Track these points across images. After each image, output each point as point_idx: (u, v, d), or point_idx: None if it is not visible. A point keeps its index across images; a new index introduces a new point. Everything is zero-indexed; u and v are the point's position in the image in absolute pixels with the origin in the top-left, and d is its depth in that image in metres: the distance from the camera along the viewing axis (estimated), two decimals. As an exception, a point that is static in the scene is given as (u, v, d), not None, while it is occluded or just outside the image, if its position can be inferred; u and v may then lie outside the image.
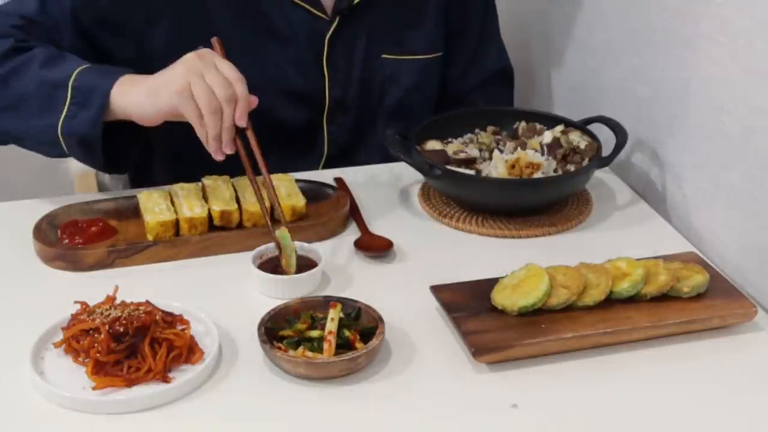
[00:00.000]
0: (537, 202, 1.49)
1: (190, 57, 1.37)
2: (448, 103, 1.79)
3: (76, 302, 1.18)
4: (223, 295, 1.29)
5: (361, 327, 1.17)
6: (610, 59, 1.70)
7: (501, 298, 1.21)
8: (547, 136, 1.56)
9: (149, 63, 1.51)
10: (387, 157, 1.63)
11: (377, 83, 1.70)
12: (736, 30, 1.33)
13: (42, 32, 1.51)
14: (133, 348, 1.11)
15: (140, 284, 1.28)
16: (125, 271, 1.34)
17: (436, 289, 1.25)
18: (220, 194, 1.43)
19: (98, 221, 1.41)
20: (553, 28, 1.92)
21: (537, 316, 1.20)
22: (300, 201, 1.44)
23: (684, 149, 1.49)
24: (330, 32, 1.63)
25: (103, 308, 1.15)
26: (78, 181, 1.85)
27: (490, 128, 1.63)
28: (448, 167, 1.48)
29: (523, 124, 1.62)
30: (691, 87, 1.45)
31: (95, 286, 1.23)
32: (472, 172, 1.50)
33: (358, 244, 1.40)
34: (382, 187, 1.59)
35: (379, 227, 1.46)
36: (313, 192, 1.49)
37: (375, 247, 1.40)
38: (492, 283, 1.25)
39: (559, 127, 1.59)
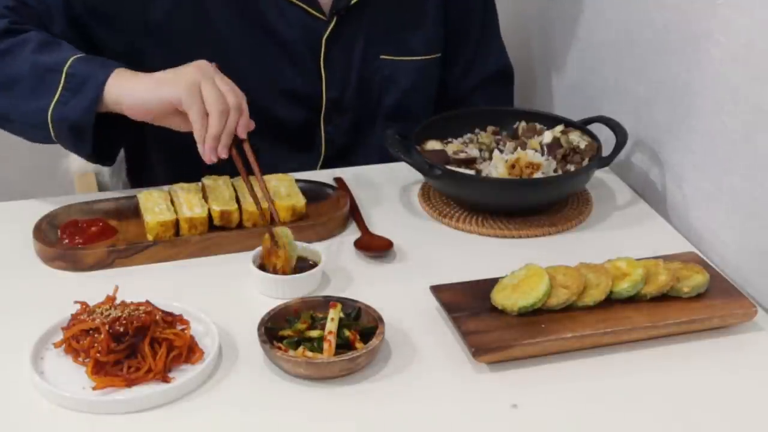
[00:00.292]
0: (537, 202, 1.49)
1: (192, 65, 1.39)
2: (448, 103, 1.79)
3: (76, 302, 1.18)
4: (223, 295, 1.29)
5: (361, 327, 1.17)
6: (610, 59, 1.70)
7: (501, 298, 1.21)
8: (547, 136, 1.56)
9: (140, 59, 1.51)
10: (385, 159, 1.63)
11: (375, 84, 1.70)
12: (737, 30, 1.33)
13: (34, 16, 1.50)
14: (133, 348, 1.11)
15: (140, 284, 1.28)
16: (125, 271, 1.34)
17: (436, 289, 1.25)
18: (220, 194, 1.43)
19: (98, 221, 1.41)
20: (553, 27, 1.92)
21: (537, 316, 1.20)
22: (300, 201, 1.44)
23: (684, 149, 1.49)
24: (327, 33, 1.62)
25: (103, 308, 1.15)
26: (78, 181, 1.85)
27: (490, 128, 1.63)
28: (448, 167, 1.48)
29: (523, 124, 1.62)
30: (692, 87, 1.45)
31: (95, 286, 1.23)
32: (472, 172, 1.50)
33: (358, 244, 1.40)
34: (382, 187, 1.59)
35: (379, 227, 1.46)
36: (313, 192, 1.49)
37: (375, 247, 1.40)
38: (492, 283, 1.25)
39: (559, 127, 1.59)
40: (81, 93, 1.38)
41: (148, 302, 1.17)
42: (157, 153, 1.74)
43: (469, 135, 1.62)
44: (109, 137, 1.47)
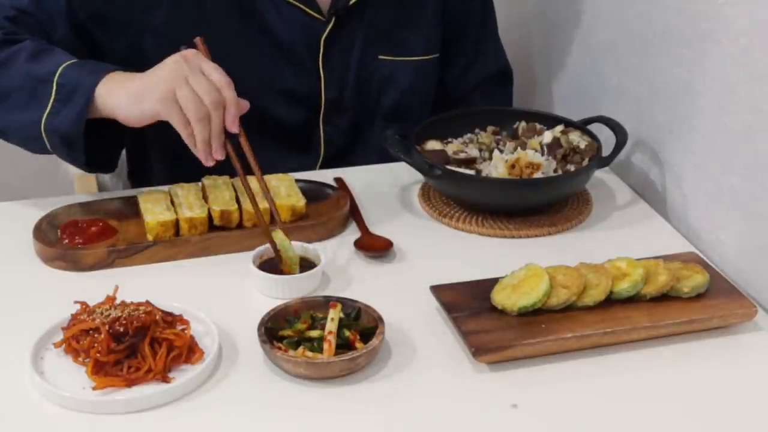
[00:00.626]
0: (537, 202, 1.49)
1: (173, 60, 1.34)
2: (447, 103, 1.79)
3: (76, 302, 1.18)
4: (223, 295, 1.29)
5: (361, 327, 1.17)
6: (610, 59, 1.70)
7: (501, 298, 1.21)
8: (547, 136, 1.56)
9: (143, 61, 1.51)
10: (384, 159, 1.63)
11: (374, 84, 1.70)
12: (737, 30, 1.33)
13: (35, 24, 1.49)
14: (133, 348, 1.11)
15: (140, 284, 1.28)
16: (125, 271, 1.34)
17: (436, 289, 1.25)
18: (220, 194, 1.43)
19: (98, 221, 1.41)
20: (553, 27, 1.92)
21: (537, 316, 1.20)
22: (300, 201, 1.44)
23: (684, 149, 1.49)
24: (326, 33, 1.62)
25: (103, 308, 1.15)
26: (78, 181, 1.85)
27: (490, 128, 1.63)
28: (448, 167, 1.48)
29: (523, 124, 1.62)
30: (692, 87, 1.45)
31: (95, 286, 1.23)
32: (472, 172, 1.50)
33: (358, 244, 1.40)
34: (382, 187, 1.59)
35: (379, 227, 1.46)
36: (313, 192, 1.49)
37: (375, 247, 1.40)
38: (492, 283, 1.25)
39: (559, 127, 1.59)
40: (71, 103, 1.37)
41: (148, 302, 1.17)
42: (157, 153, 1.74)
43: (469, 135, 1.62)
44: (104, 145, 1.46)
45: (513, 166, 1.47)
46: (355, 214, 1.49)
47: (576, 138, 1.56)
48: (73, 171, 1.89)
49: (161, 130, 1.52)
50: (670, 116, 1.52)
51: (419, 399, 1.11)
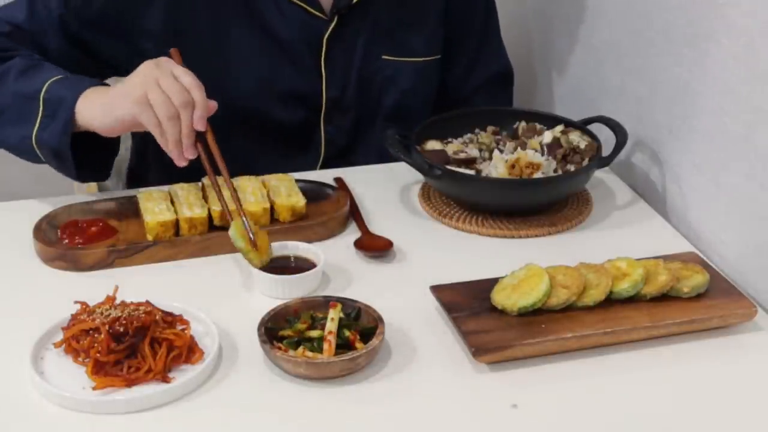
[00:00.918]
0: (537, 202, 1.49)
1: (146, 66, 1.38)
2: (449, 104, 1.79)
3: (76, 302, 1.18)
4: (223, 295, 1.29)
5: (361, 327, 1.17)
6: (610, 59, 1.70)
7: (501, 298, 1.21)
8: (547, 136, 1.56)
9: (138, 64, 1.52)
10: (385, 159, 1.63)
11: (375, 84, 1.70)
12: (738, 30, 1.33)
13: (29, 38, 1.54)
14: (133, 348, 1.11)
15: (140, 284, 1.28)
16: (125, 271, 1.34)
17: (436, 289, 1.25)
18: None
19: (98, 221, 1.41)
20: (554, 28, 1.92)
21: (537, 316, 1.20)
22: (300, 201, 1.44)
23: (684, 149, 1.49)
24: (328, 32, 1.62)
25: (103, 308, 1.15)
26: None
27: (490, 128, 1.63)
28: (448, 167, 1.48)
29: (523, 124, 1.62)
30: (692, 87, 1.45)
31: (95, 286, 1.23)
32: (472, 172, 1.50)
33: (358, 244, 1.40)
34: (382, 187, 1.59)
35: (379, 227, 1.46)
36: (313, 192, 1.49)
37: (375, 247, 1.40)
38: (492, 283, 1.25)
39: (559, 127, 1.59)
40: (56, 118, 1.40)
41: (148, 302, 1.17)
42: (157, 153, 1.74)
43: (469, 135, 1.62)
44: (95, 156, 1.48)
45: (513, 166, 1.47)
46: (355, 214, 1.49)
47: (576, 138, 1.56)
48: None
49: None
50: (670, 116, 1.52)
51: (419, 399, 1.11)
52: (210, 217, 1.40)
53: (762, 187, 1.30)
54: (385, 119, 1.71)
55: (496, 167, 1.48)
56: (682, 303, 1.23)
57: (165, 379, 1.10)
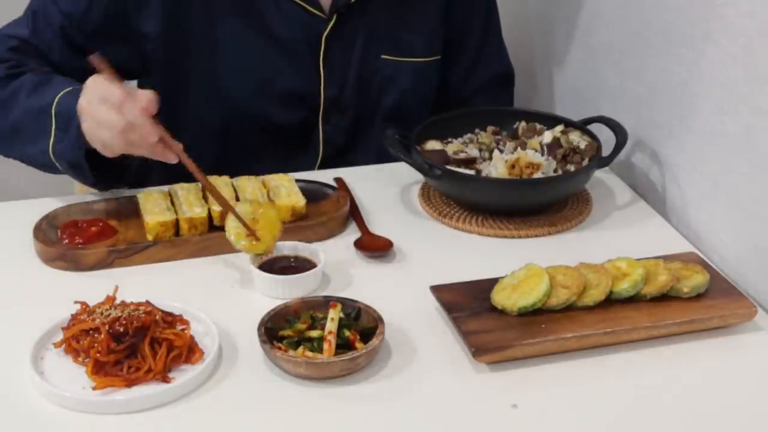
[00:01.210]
0: (537, 202, 1.49)
1: (81, 107, 1.35)
2: (449, 105, 1.79)
3: (76, 302, 1.18)
4: (223, 295, 1.29)
5: (361, 327, 1.17)
6: (610, 59, 1.70)
7: (501, 298, 1.21)
8: (547, 136, 1.56)
9: (145, 65, 1.52)
10: (383, 159, 1.63)
11: (375, 84, 1.69)
12: (736, 30, 1.33)
13: (35, 51, 1.55)
14: (133, 348, 1.11)
15: (140, 284, 1.28)
16: (125, 271, 1.34)
17: (436, 289, 1.25)
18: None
19: (98, 221, 1.41)
20: (554, 28, 1.92)
21: (537, 316, 1.20)
22: (300, 201, 1.44)
23: (684, 149, 1.49)
24: (327, 30, 1.62)
25: (103, 308, 1.15)
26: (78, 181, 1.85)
27: (490, 128, 1.63)
28: (448, 167, 1.48)
29: (523, 124, 1.62)
30: (691, 87, 1.45)
31: (95, 286, 1.23)
32: (472, 172, 1.50)
33: (358, 244, 1.40)
34: (382, 187, 1.59)
35: (379, 227, 1.46)
36: (313, 192, 1.49)
37: (375, 247, 1.40)
38: (492, 283, 1.25)
39: (559, 127, 1.59)
40: (68, 131, 1.40)
41: (148, 302, 1.17)
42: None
43: (469, 135, 1.62)
44: (111, 164, 1.46)
45: (513, 166, 1.47)
46: (355, 214, 1.48)
47: (576, 138, 1.56)
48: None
49: (165, 118, 1.51)
50: (670, 116, 1.52)
51: (419, 399, 1.11)
52: (210, 217, 1.40)
53: (762, 187, 1.30)
54: (384, 119, 1.71)
55: (496, 167, 1.48)
56: (682, 303, 1.23)
57: (165, 379, 1.10)
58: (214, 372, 1.14)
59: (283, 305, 1.20)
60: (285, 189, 1.46)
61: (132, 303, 1.17)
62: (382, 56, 1.68)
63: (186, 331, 1.16)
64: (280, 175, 1.50)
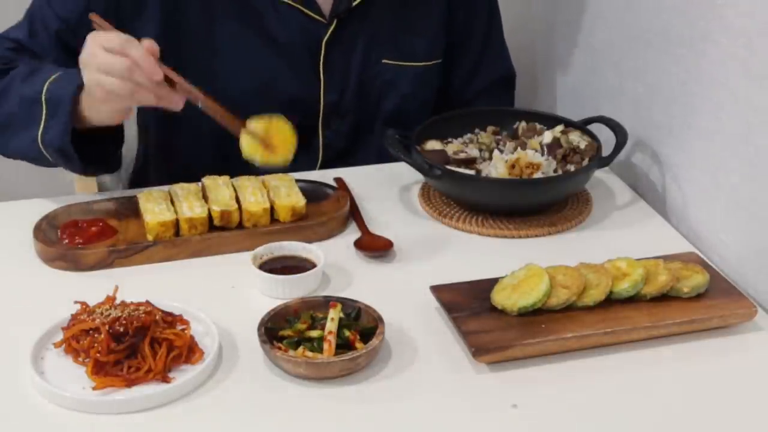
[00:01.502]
0: (537, 202, 1.49)
1: (81, 59, 1.36)
2: (451, 108, 1.78)
3: (76, 302, 1.18)
4: (223, 295, 1.29)
5: (361, 327, 1.17)
6: (610, 59, 1.70)
7: (501, 298, 1.21)
8: (547, 136, 1.56)
9: None
10: (383, 162, 1.63)
11: (375, 88, 1.69)
12: (736, 30, 1.33)
13: (32, 55, 1.55)
14: (133, 348, 1.11)
15: (140, 284, 1.28)
16: (125, 271, 1.34)
17: (436, 289, 1.25)
18: (220, 194, 1.43)
19: (98, 221, 1.41)
20: (554, 28, 1.92)
21: (537, 316, 1.20)
22: (300, 201, 1.44)
23: (684, 149, 1.49)
24: (327, 35, 1.62)
25: (103, 308, 1.15)
26: (78, 181, 1.85)
27: (490, 128, 1.63)
28: (448, 167, 1.48)
29: (523, 124, 1.62)
30: (691, 87, 1.45)
31: (95, 286, 1.23)
32: (472, 172, 1.50)
33: (358, 244, 1.40)
34: (382, 187, 1.59)
35: (379, 227, 1.46)
36: (313, 192, 1.49)
37: (375, 247, 1.40)
38: (492, 283, 1.25)
39: (559, 127, 1.59)
40: (57, 116, 1.40)
41: (148, 302, 1.17)
42: (156, 154, 1.74)
43: (469, 135, 1.62)
44: (99, 150, 1.47)
45: (513, 166, 1.47)
46: (355, 214, 1.49)
47: (576, 138, 1.56)
48: (74, 171, 1.89)
49: (161, 132, 1.52)
50: (670, 116, 1.52)
51: (419, 399, 1.11)
52: (210, 217, 1.40)
53: (762, 187, 1.30)
54: (384, 123, 1.71)
55: (496, 167, 1.48)
56: (682, 303, 1.23)
57: (165, 379, 1.10)
58: (214, 372, 1.14)
59: (283, 305, 1.20)
60: (285, 189, 1.46)
61: (132, 303, 1.17)
62: (383, 61, 1.68)
63: (186, 331, 1.16)
64: (280, 175, 1.50)
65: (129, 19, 1.54)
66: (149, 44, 1.32)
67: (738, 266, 1.36)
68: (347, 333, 1.14)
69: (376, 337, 1.14)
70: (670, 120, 1.52)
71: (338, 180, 1.58)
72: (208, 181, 1.47)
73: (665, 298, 1.24)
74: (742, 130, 1.34)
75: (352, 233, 1.44)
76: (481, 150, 1.56)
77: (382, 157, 1.60)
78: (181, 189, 1.45)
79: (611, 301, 1.23)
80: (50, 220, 1.40)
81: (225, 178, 1.47)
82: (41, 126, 1.41)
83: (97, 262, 1.34)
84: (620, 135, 1.53)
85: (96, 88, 1.34)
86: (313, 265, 1.31)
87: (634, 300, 1.23)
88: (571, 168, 1.50)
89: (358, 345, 1.14)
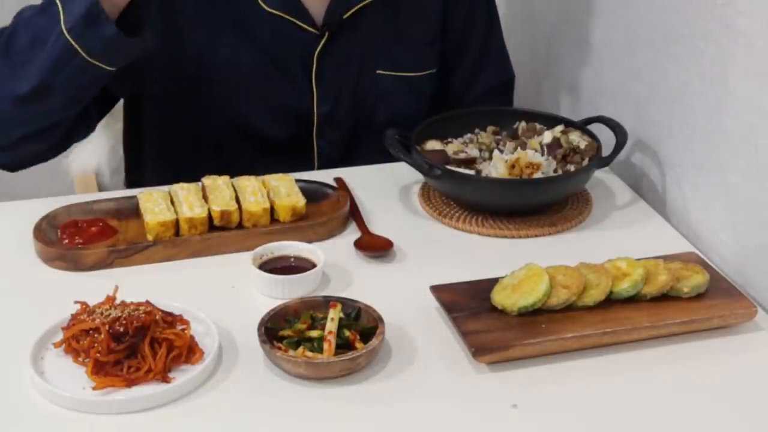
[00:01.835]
0: (537, 202, 1.49)
1: None
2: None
3: (76, 302, 1.18)
4: (223, 295, 1.29)
5: (361, 327, 1.17)
6: (610, 59, 1.70)
7: (501, 298, 1.21)
8: (547, 136, 1.56)
9: (143, 81, 1.53)
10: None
11: (369, 99, 1.69)
12: (736, 30, 1.33)
13: None
14: (133, 348, 1.11)
15: (140, 284, 1.28)
16: (125, 271, 1.34)
17: (436, 289, 1.25)
18: (220, 194, 1.43)
19: (98, 221, 1.41)
20: (554, 28, 1.92)
21: (537, 316, 1.20)
22: (300, 201, 1.44)
23: (684, 149, 1.49)
24: (319, 48, 1.61)
25: (103, 308, 1.15)
26: (78, 182, 1.85)
27: (490, 128, 1.63)
28: (448, 167, 1.48)
29: (523, 124, 1.62)
30: (691, 87, 1.45)
31: (95, 286, 1.23)
32: (472, 172, 1.50)
33: (358, 244, 1.40)
34: (382, 187, 1.59)
35: (379, 227, 1.46)
36: (313, 192, 1.49)
37: (375, 247, 1.40)
38: (492, 283, 1.25)
39: (559, 127, 1.59)
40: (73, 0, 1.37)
41: (148, 302, 1.17)
42: (156, 154, 1.74)
43: (469, 135, 1.62)
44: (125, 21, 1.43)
45: (513, 166, 1.47)
46: (355, 214, 1.49)
47: (576, 138, 1.56)
48: (74, 171, 1.89)
49: (162, 131, 1.52)
50: (670, 116, 1.52)
51: (419, 399, 1.11)
52: (210, 217, 1.40)
53: (762, 187, 1.30)
54: (378, 133, 1.70)
55: (496, 167, 1.48)
56: (682, 303, 1.23)
57: (165, 379, 1.10)
58: (214, 372, 1.14)
59: (283, 305, 1.20)
60: (285, 189, 1.46)
61: (132, 303, 1.17)
62: (377, 71, 1.67)
63: (186, 331, 1.16)
64: (280, 175, 1.50)
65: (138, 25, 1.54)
66: None
67: (738, 266, 1.36)
68: (347, 333, 1.14)
69: (376, 337, 1.14)
70: (670, 120, 1.52)
71: (338, 180, 1.58)
72: (208, 181, 1.47)
73: (665, 298, 1.24)
74: (742, 130, 1.34)
75: (352, 233, 1.44)
76: (481, 150, 1.56)
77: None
78: (181, 189, 1.45)
79: (611, 301, 1.23)
80: (50, 220, 1.40)
81: (225, 178, 1.47)
82: (62, 16, 1.37)
83: (97, 262, 1.34)
84: (620, 135, 1.53)
85: None
86: (313, 265, 1.31)
87: (634, 300, 1.23)
88: (571, 168, 1.50)
89: (358, 345, 1.14)
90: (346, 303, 1.20)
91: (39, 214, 1.41)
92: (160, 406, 1.08)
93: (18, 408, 1.08)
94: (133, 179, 1.81)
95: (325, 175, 1.59)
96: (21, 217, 1.43)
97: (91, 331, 1.12)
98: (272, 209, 1.42)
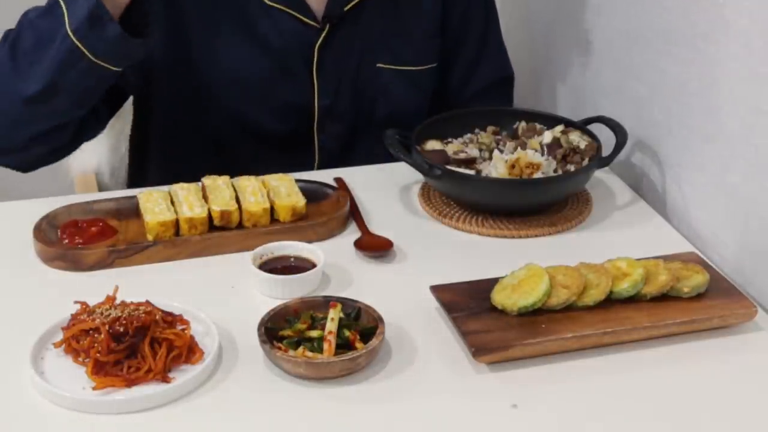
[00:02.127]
0: (537, 202, 1.49)
1: None
2: (448, 110, 1.78)
3: (76, 302, 1.18)
4: (223, 295, 1.29)
5: (361, 327, 1.17)
6: (610, 59, 1.70)
7: (501, 298, 1.21)
8: (547, 136, 1.56)
9: (147, 78, 1.54)
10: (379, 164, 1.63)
11: (370, 93, 1.69)
12: (736, 30, 1.33)
13: None
14: (133, 348, 1.11)
15: (140, 284, 1.28)
16: (125, 271, 1.34)
17: (436, 289, 1.25)
18: (220, 194, 1.43)
19: (98, 221, 1.41)
20: (553, 28, 1.92)
21: (537, 316, 1.20)
22: (300, 201, 1.44)
23: (684, 149, 1.49)
24: (320, 41, 1.61)
25: (103, 308, 1.15)
26: (78, 182, 1.85)
27: (490, 128, 1.63)
28: (448, 167, 1.48)
29: (523, 124, 1.62)
30: (691, 87, 1.45)
31: (95, 286, 1.23)
32: (472, 172, 1.50)
33: (358, 244, 1.40)
34: (382, 187, 1.59)
35: (379, 227, 1.46)
36: (313, 192, 1.49)
37: (375, 247, 1.39)
38: (492, 283, 1.25)
39: (559, 127, 1.59)
40: (77, 1, 1.37)
41: (148, 302, 1.17)
42: (160, 153, 1.74)
43: (469, 135, 1.62)
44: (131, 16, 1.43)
45: (513, 166, 1.47)
46: (355, 214, 1.48)
47: (576, 138, 1.56)
48: (74, 171, 1.89)
49: (162, 131, 1.52)
50: (670, 116, 1.52)
51: (419, 399, 1.11)
52: (210, 217, 1.40)
53: (762, 188, 1.30)
54: (380, 127, 1.70)
55: (496, 167, 1.48)
56: (682, 303, 1.23)
57: (165, 379, 1.10)
58: (214, 372, 1.14)
59: (283, 305, 1.20)
60: (285, 189, 1.46)
61: (132, 303, 1.17)
62: (378, 65, 1.67)
63: (186, 331, 1.16)
64: (280, 175, 1.50)
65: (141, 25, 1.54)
66: None
67: (738, 266, 1.36)
68: (347, 333, 1.14)
69: (376, 337, 1.14)
70: (670, 120, 1.52)
71: (338, 180, 1.58)
72: (208, 181, 1.47)
73: (665, 298, 1.24)
74: (742, 130, 1.34)
75: (352, 233, 1.44)
76: (481, 150, 1.56)
77: (379, 161, 1.60)
78: (181, 189, 1.45)
79: (611, 301, 1.23)
80: (50, 220, 1.40)
81: (225, 178, 1.47)
82: (66, 17, 1.38)
83: (97, 262, 1.34)
84: (620, 135, 1.53)
85: None
86: (313, 265, 1.31)
87: (634, 300, 1.23)
88: (571, 168, 1.50)
89: (358, 345, 1.14)
90: (346, 303, 1.20)
91: (39, 214, 1.41)
92: (160, 406, 1.08)
93: (18, 408, 1.08)
94: (136, 179, 1.81)
95: (325, 175, 1.59)
96: (21, 217, 1.42)
97: (91, 331, 1.12)
98: (272, 209, 1.42)
